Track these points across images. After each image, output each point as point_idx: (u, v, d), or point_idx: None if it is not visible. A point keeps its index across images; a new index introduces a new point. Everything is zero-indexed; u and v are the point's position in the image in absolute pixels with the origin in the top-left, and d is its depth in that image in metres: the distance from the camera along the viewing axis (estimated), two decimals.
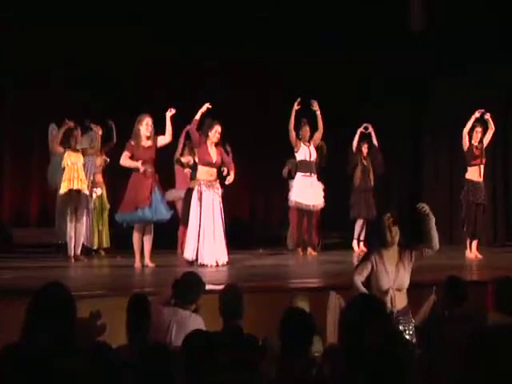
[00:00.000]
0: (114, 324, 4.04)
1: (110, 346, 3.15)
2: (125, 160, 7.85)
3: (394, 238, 4.76)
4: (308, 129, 9.62)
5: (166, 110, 7.92)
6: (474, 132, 9.03)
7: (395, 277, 4.73)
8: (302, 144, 9.60)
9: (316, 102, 9.50)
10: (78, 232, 8.61)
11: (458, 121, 9.64)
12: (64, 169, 8.56)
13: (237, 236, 8.42)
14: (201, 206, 7.97)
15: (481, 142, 9.07)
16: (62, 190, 8.52)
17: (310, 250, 9.62)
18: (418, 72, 11.27)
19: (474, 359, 2.78)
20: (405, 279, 4.77)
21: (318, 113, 9.54)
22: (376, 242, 4.91)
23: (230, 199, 9.66)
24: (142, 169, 7.72)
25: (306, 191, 9.51)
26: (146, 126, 7.82)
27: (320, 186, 9.66)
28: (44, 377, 3.00)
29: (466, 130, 9.00)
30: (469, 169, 9.03)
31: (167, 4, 10.44)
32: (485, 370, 2.74)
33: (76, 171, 8.54)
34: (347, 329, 2.97)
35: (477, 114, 8.94)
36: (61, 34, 10.13)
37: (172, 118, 7.92)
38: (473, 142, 9.04)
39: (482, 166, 9.05)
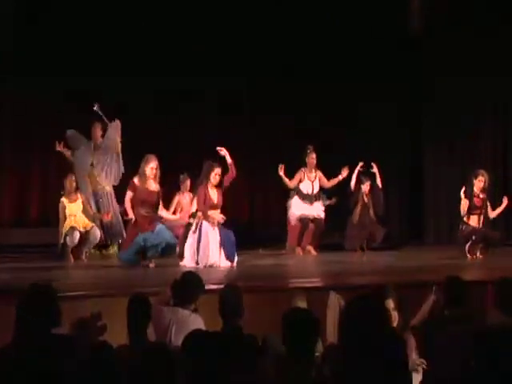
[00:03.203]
0: (114, 324, 4.04)
1: (111, 345, 3.15)
2: (128, 202, 7.89)
3: (393, 324, 4.68)
4: (314, 156, 9.56)
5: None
6: (477, 180, 8.70)
7: None
8: (306, 178, 9.57)
9: (347, 170, 9.55)
10: (92, 236, 8.68)
11: (458, 126, 9.61)
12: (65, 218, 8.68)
13: (236, 236, 8.40)
14: (200, 236, 7.97)
15: (484, 191, 8.75)
16: (63, 232, 8.61)
17: (309, 248, 9.62)
18: (414, 72, 11.33)
19: (474, 359, 2.78)
20: None
21: (341, 178, 9.60)
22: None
23: (230, 199, 9.65)
24: (132, 218, 7.80)
25: (307, 205, 9.56)
26: (150, 169, 7.83)
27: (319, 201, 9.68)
28: (43, 378, 3.01)
29: (462, 203, 8.70)
30: (467, 215, 8.79)
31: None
32: (486, 370, 2.74)
33: (76, 222, 8.66)
34: (347, 328, 2.97)
35: (463, 194, 8.68)
36: (62, 33, 10.14)
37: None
38: (475, 189, 8.72)
39: (482, 216, 8.80)
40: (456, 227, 9.31)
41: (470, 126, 10.88)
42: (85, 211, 8.80)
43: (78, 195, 8.83)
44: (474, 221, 8.81)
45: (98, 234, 8.76)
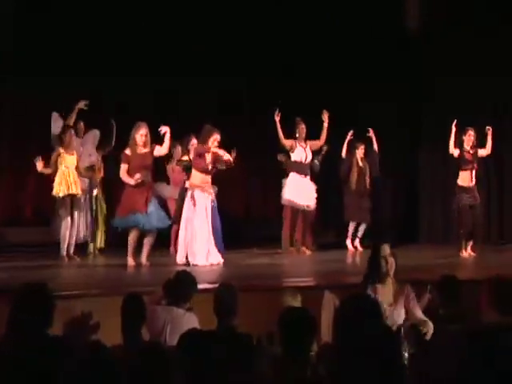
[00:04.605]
0: (108, 324, 4.03)
1: (105, 345, 3.13)
2: (123, 174, 7.88)
3: (390, 270, 4.69)
4: (304, 126, 9.60)
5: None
6: (467, 135, 8.92)
7: (388, 315, 4.60)
8: (298, 145, 9.58)
9: (327, 113, 9.51)
10: (72, 232, 8.62)
11: (458, 126, 9.58)
12: (57, 169, 8.54)
13: (231, 235, 8.39)
14: (193, 210, 8.00)
15: (474, 146, 8.96)
16: (59, 193, 8.51)
17: (304, 249, 9.61)
18: (414, 72, 11.36)
19: (470, 359, 2.77)
20: (399, 318, 4.64)
21: (326, 124, 9.54)
22: (371, 274, 4.81)
23: (224, 197, 9.66)
24: (136, 180, 7.77)
25: (300, 190, 9.52)
26: (140, 136, 7.88)
27: (313, 187, 9.67)
28: (38, 378, 3.00)
29: (451, 150, 8.88)
30: (460, 173, 8.96)
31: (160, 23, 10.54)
32: (481, 370, 2.73)
33: (70, 176, 8.56)
34: (342, 328, 2.96)
35: (454, 128, 8.89)
36: (63, 33, 10.18)
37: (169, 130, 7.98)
38: (465, 146, 8.92)
39: (474, 171, 8.96)
40: (451, 227, 9.35)
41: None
42: (78, 167, 8.68)
43: (75, 151, 8.70)
44: (466, 179, 8.93)
45: (76, 223, 8.73)
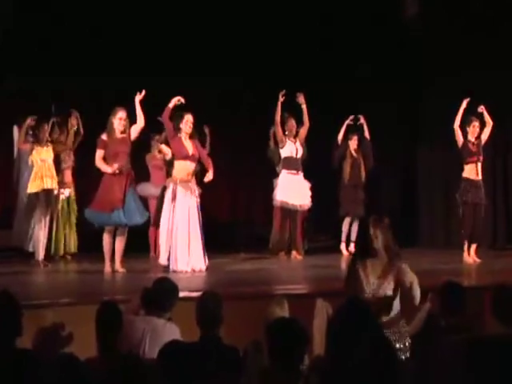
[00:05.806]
0: (82, 335, 4.03)
1: (78, 358, 3.14)
2: (99, 161, 7.90)
3: (382, 243, 4.76)
4: (294, 123, 9.74)
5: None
6: (471, 126, 9.07)
7: (376, 288, 4.74)
8: (287, 140, 9.67)
9: (302, 94, 9.59)
10: (44, 234, 8.62)
11: (453, 118, 9.70)
12: (32, 166, 8.55)
13: (216, 238, 8.40)
14: (174, 208, 8.00)
15: (478, 137, 9.12)
16: (33, 189, 8.51)
17: (294, 253, 9.64)
18: (414, 72, 11.50)
19: (472, 371, 2.80)
20: (387, 290, 4.74)
21: (304, 106, 9.68)
22: (361, 248, 4.94)
23: (209, 198, 9.69)
24: (114, 169, 7.78)
25: (292, 190, 9.56)
26: (119, 120, 7.94)
27: (307, 185, 9.71)
28: None
29: (456, 124, 9.03)
30: (465, 167, 9.08)
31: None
32: (484, 383, 2.77)
33: (47, 169, 8.59)
34: (335, 338, 2.98)
35: (464, 105, 9.03)
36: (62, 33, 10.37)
37: (142, 102, 8.04)
38: (469, 137, 9.08)
39: (480, 164, 9.08)
40: (452, 230, 9.38)
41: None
42: (56, 158, 8.80)
43: (49, 144, 8.76)
44: (471, 172, 9.04)
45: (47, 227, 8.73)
